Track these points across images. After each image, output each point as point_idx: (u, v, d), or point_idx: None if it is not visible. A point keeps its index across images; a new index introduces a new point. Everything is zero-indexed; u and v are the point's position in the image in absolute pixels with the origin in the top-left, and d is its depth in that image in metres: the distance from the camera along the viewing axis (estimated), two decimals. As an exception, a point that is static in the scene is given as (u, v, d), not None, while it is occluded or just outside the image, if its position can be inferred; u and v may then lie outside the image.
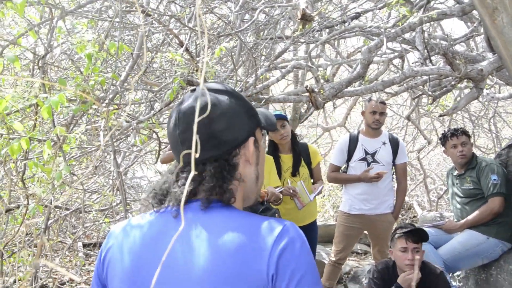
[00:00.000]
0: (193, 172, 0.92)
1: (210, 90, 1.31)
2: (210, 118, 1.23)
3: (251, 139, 1.31)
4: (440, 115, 4.88)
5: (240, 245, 1.14)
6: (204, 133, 1.24)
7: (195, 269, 1.14)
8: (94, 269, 1.36)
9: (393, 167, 4.94)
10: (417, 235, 3.59)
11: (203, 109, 1.23)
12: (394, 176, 5.04)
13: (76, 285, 4.81)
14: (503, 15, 2.89)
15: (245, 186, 1.33)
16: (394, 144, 4.86)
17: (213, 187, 1.24)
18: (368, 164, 4.77)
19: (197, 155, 1.07)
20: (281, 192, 4.02)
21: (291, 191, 4.11)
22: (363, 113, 4.91)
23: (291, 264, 1.13)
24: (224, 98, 1.29)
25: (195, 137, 0.92)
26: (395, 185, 5.06)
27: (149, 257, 1.22)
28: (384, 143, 4.83)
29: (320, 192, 4.39)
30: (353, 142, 4.88)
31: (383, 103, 4.73)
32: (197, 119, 0.94)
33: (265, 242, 1.14)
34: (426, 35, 4.34)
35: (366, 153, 4.81)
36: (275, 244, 1.14)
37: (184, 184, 1.25)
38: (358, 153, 4.83)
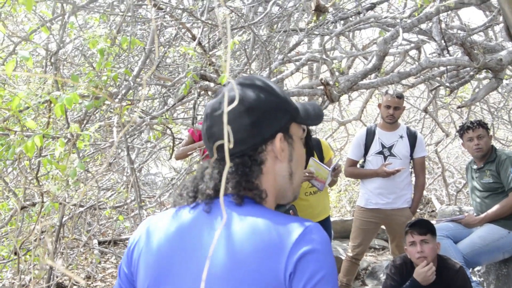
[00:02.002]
0: (227, 166, 0.91)
1: (241, 84, 1.30)
2: (237, 113, 1.24)
3: (278, 136, 1.29)
4: (458, 107, 4.77)
5: (261, 243, 1.14)
6: (230, 128, 1.23)
7: (217, 265, 1.15)
8: (121, 262, 1.38)
9: (411, 161, 4.86)
10: (422, 227, 3.52)
11: (228, 104, 1.24)
12: (412, 170, 4.95)
13: (92, 283, 4.82)
14: (524, 2, 2.81)
15: (276, 184, 1.32)
16: (412, 138, 4.77)
17: (239, 183, 1.24)
18: (385, 158, 4.70)
19: (231, 146, 1.03)
20: None
21: (307, 174, 4.00)
22: (379, 105, 4.84)
23: (311, 265, 1.12)
24: (252, 93, 1.28)
25: (226, 130, 0.91)
26: (413, 179, 4.97)
27: (176, 250, 1.23)
28: (401, 137, 4.75)
29: (336, 168, 4.16)
30: (370, 135, 4.81)
31: (399, 97, 4.62)
32: (226, 110, 0.91)
33: (286, 241, 1.13)
34: (443, 25, 4.25)
35: (383, 146, 4.73)
36: (296, 243, 1.13)
37: (211, 179, 1.26)
38: (375, 147, 4.76)
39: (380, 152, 4.73)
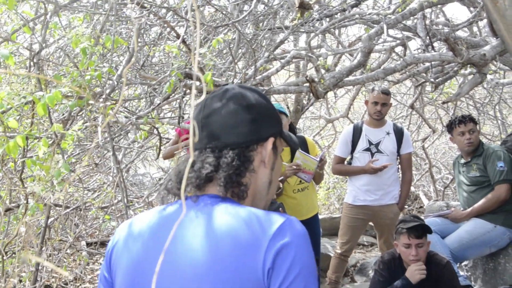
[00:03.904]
0: (191, 158, 0.93)
1: (240, 86, 1.35)
2: (239, 107, 1.28)
3: (271, 140, 1.33)
4: (443, 102, 4.81)
5: (240, 240, 1.14)
6: (230, 120, 1.27)
7: (196, 263, 1.14)
8: (102, 265, 1.37)
9: (398, 157, 4.87)
10: (419, 230, 3.54)
11: (231, 98, 1.29)
12: (399, 166, 4.97)
13: (80, 284, 4.79)
14: (506, -3, 2.82)
15: (257, 188, 1.33)
16: (399, 134, 4.79)
17: (229, 176, 1.25)
18: (372, 155, 4.71)
19: (196, 139, 1.03)
20: (281, 180, 3.91)
21: (294, 167, 4.00)
22: (366, 102, 4.85)
23: (288, 260, 1.12)
24: (252, 95, 1.33)
25: (192, 125, 0.91)
26: (400, 175, 4.99)
27: (154, 247, 1.22)
28: (388, 133, 4.76)
29: (322, 159, 4.16)
30: (356, 132, 4.82)
31: (386, 93, 4.63)
32: (192, 102, 0.91)
33: (263, 237, 1.14)
34: (428, 21, 4.27)
35: (370, 143, 4.75)
36: (273, 239, 1.13)
37: (200, 168, 1.26)
38: (362, 144, 4.77)
39: (367, 149, 4.74)
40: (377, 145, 4.73)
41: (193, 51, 0.95)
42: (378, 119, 4.70)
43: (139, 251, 1.24)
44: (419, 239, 3.51)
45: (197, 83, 3.33)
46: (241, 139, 1.27)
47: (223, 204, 1.22)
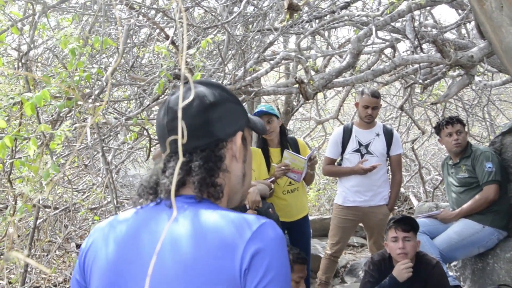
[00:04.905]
0: (181, 159, 0.93)
1: (201, 83, 1.32)
2: (203, 106, 1.25)
3: (239, 134, 1.32)
4: (432, 103, 4.85)
5: (217, 242, 1.14)
6: (195, 121, 1.24)
7: (173, 265, 1.15)
8: (75, 266, 1.34)
9: (388, 159, 4.90)
10: (406, 224, 3.57)
11: (193, 98, 1.25)
12: (389, 167, 5.00)
13: (69, 286, 4.75)
14: (492, -1, 2.85)
15: (231, 183, 1.33)
16: (388, 135, 4.81)
17: (203, 179, 1.24)
18: (362, 156, 4.73)
19: (184, 141, 1.04)
20: (272, 181, 3.92)
21: (283, 168, 4.01)
22: (356, 104, 4.86)
23: (264, 264, 1.13)
24: (215, 91, 1.30)
25: (180, 124, 0.92)
26: (390, 177, 5.02)
27: (133, 249, 1.21)
28: (377, 134, 4.79)
29: (312, 158, 4.17)
30: (347, 133, 4.84)
31: (376, 96, 4.64)
32: (181, 104, 0.91)
33: (240, 238, 1.14)
34: (416, 23, 4.30)
35: (360, 144, 4.77)
36: (250, 241, 1.14)
37: (172, 174, 1.25)
38: (352, 145, 4.79)
39: (357, 150, 4.76)
40: (366, 146, 4.75)
41: (180, 52, 0.95)
42: (369, 122, 4.73)
43: (117, 253, 1.22)
44: (406, 232, 3.53)
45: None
46: (209, 139, 1.26)
47: (200, 206, 1.23)
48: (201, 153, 1.25)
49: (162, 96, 3.47)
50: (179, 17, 2.70)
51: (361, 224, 5.29)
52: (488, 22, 2.98)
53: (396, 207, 7.20)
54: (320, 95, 6.65)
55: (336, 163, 4.97)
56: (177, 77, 3.24)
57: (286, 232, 4.32)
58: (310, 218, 6.88)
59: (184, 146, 1.25)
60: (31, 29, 3.01)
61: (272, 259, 1.14)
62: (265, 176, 4.06)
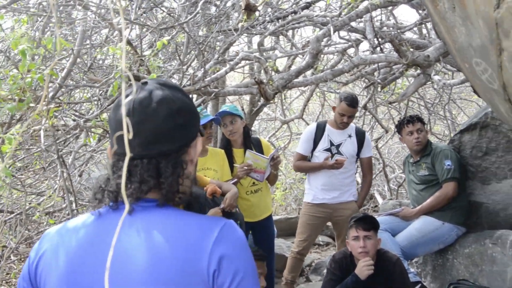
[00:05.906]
0: (127, 159, 0.93)
1: (163, 85, 1.28)
2: (171, 112, 1.23)
3: (199, 138, 1.32)
4: (390, 102, 4.92)
5: (180, 245, 1.15)
6: (163, 126, 1.22)
7: (136, 270, 1.13)
8: (22, 272, 1.29)
9: (358, 160, 4.96)
10: (367, 223, 3.61)
11: (160, 102, 1.22)
12: (360, 169, 5.07)
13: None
14: (445, 0, 2.89)
15: (186, 186, 1.31)
16: (360, 138, 4.87)
17: (171, 186, 1.22)
18: (332, 155, 4.77)
19: (130, 136, 1.04)
20: (235, 182, 3.90)
21: (246, 168, 3.99)
22: (333, 108, 4.87)
23: (233, 266, 1.15)
24: (179, 95, 1.28)
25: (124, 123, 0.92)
26: (359, 179, 5.09)
27: (87, 258, 1.18)
28: (350, 136, 4.83)
29: (275, 158, 4.17)
30: (319, 131, 4.86)
31: (353, 106, 4.66)
32: (123, 102, 0.89)
33: (206, 240, 1.15)
34: (378, 23, 4.35)
35: (331, 144, 4.80)
36: (216, 243, 1.15)
37: (140, 181, 1.22)
38: (323, 143, 4.83)
39: (328, 149, 4.80)
40: (338, 146, 4.80)
41: (123, 52, 0.93)
42: (343, 129, 4.78)
43: (73, 260, 1.19)
44: (366, 231, 3.57)
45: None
46: (175, 145, 1.24)
47: (161, 209, 1.22)
48: (167, 158, 1.23)
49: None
50: (135, 18, 2.66)
51: (328, 223, 5.32)
52: (441, 23, 3.02)
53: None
54: (286, 95, 6.67)
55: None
56: (136, 78, 3.20)
57: (250, 232, 4.32)
58: (276, 217, 6.91)
59: (149, 152, 1.23)
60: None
61: (240, 261, 1.17)
62: (228, 177, 4.04)
